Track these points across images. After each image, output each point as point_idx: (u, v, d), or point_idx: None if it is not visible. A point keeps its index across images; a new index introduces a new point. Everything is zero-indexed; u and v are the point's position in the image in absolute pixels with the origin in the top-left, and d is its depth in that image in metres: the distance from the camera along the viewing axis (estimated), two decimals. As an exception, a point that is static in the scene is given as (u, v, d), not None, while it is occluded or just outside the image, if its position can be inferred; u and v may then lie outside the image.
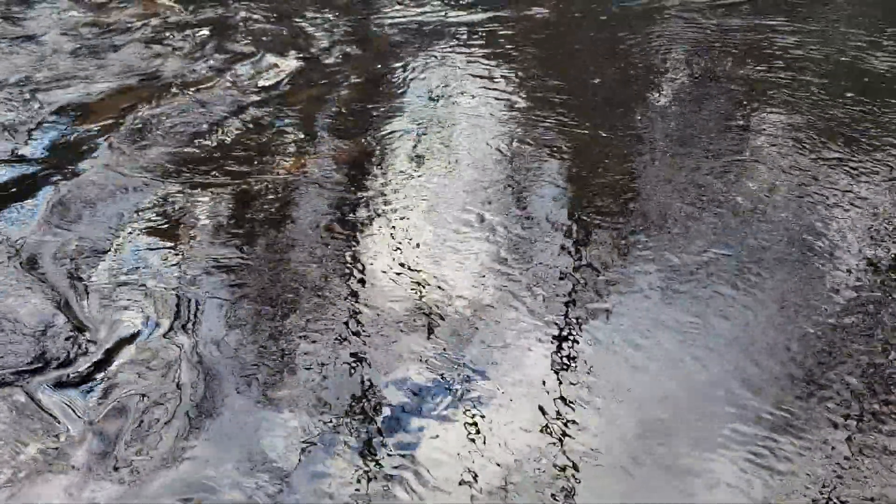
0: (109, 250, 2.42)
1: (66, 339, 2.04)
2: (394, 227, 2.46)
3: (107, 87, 3.61)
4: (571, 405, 1.81)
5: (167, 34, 4.32)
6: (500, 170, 2.75)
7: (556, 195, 2.58)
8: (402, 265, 2.27)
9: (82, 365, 1.96)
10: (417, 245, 2.35)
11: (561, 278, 2.19)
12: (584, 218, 2.45)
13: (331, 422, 1.78)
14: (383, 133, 3.08)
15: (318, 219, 2.53)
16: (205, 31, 4.31)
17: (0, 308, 2.16)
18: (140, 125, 3.22)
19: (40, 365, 1.97)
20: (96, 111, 3.40)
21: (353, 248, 2.36)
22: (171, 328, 2.05)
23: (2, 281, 2.28)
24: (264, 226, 2.51)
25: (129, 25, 4.47)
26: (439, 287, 2.16)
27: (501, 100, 3.28)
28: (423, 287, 2.16)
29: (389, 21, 4.36)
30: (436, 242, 2.35)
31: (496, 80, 3.49)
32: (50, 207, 2.63)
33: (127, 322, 2.08)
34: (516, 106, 3.22)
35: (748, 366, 1.89)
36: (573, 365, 1.92)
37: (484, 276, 2.19)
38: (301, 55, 3.92)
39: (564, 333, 2.00)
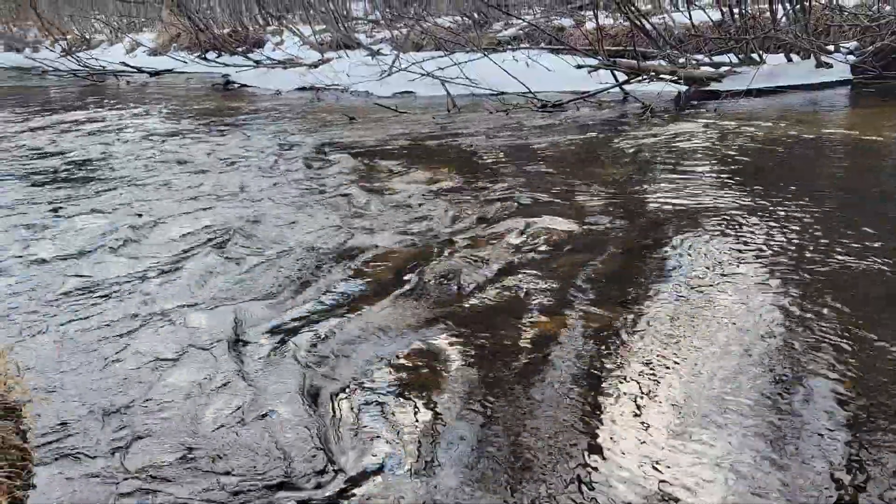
0: (362, 386, 2.58)
1: (312, 461, 2.13)
2: (639, 406, 2.34)
3: (384, 242, 4.05)
4: None
5: (447, 198, 4.83)
6: (765, 360, 2.54)
7: (829, 394, 2.33)
8: (642, 448, 2.14)
9: (323, 491, 2.02)
10: (662, 430, 2.21)
11: (834, 488, 1.94)
12: (864, 426, 2.13)
13: None
14: (638, 306, 3.03)
15: (564, 382, 2.49)
16: (481, 198, 4.79)
17: (257, 425, 2.33)
18: (407, 278, 3.51)
19: (283, 482, 2.06)
20: (372, 264, 3.76)
21: (595, 420, 2.28)
22: (412, 468, 2.07)
23: (266, 402, 2.48)
24: (511, 382, 2.52)
25: (421, 190, 5.11)
26: (680, 482, 1.99)
27: (773, 289, 3.09)
28: (664, 479, 2.01)
29: (656, 200, 4.47)
30: (682, 431, 2.19)
31: (768, 266, 3.32)
32: (314, 344, 2.91)
33: (372, 454, 2.14)
34: (788, 297, 3.00)
35: None
36: None
37: (734, 479, 1.99)
38: (568, 224, 4.12)
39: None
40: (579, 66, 9.61)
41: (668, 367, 2.54)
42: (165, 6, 17.03)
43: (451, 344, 2.83)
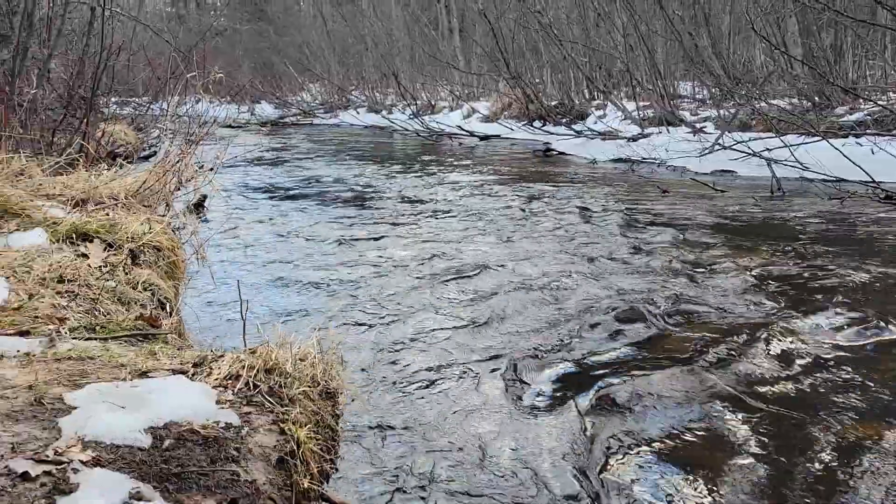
0: (638, 449, 2.52)
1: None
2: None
3: (683, 312, 3.92)
4: None
5: (760, 281, 4.52)
6: None
7: None
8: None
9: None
10: None
11: None
12: None
13: None
14: None
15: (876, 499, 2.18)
16: (800, 285, 4.41)
17: (531, 463, 2.38)
18: (704, 352, 3.34)
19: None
20: (668, 333, 3.67)
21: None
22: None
23: (543, 443, 2.53)
24: (809, 484, 2.28)
25: (730, 268, 4.87)
26: None
27: None
28: None
29: None
30: None
31: None
32: (597, 398, 2.90)
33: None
34: None
35: None
36: None
37: None
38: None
39: None
40: (940, 158, 8.40)
41: None
42: (503, 79, 18.54)
43: (742, 426, 2.63)
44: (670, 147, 11.60)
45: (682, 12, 14.02)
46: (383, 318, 3.93)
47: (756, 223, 6.51)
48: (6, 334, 2.15)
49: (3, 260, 2.85)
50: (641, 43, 14.37)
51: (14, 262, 2.85)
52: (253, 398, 1.82)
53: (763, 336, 3.50)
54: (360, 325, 3.81)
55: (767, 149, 9.32)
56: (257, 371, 1.89)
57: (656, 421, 2.71)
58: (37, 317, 2.39)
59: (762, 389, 2.95)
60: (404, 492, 2.28)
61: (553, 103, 17.58)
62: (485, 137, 17.15)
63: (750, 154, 9.53)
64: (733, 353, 3.32)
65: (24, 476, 1.38)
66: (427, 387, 3.03)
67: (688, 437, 2.58)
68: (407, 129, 18.65)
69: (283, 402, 1.83)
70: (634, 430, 2.65)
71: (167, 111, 8.36)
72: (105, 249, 3.25)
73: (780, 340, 3.44)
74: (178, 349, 2.21)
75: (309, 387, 1.93)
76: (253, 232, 6.36)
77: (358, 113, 24.56)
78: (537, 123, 16.80)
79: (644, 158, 11.43)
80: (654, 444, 2.54)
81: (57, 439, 1.52)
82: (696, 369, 3.15)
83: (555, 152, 13.72)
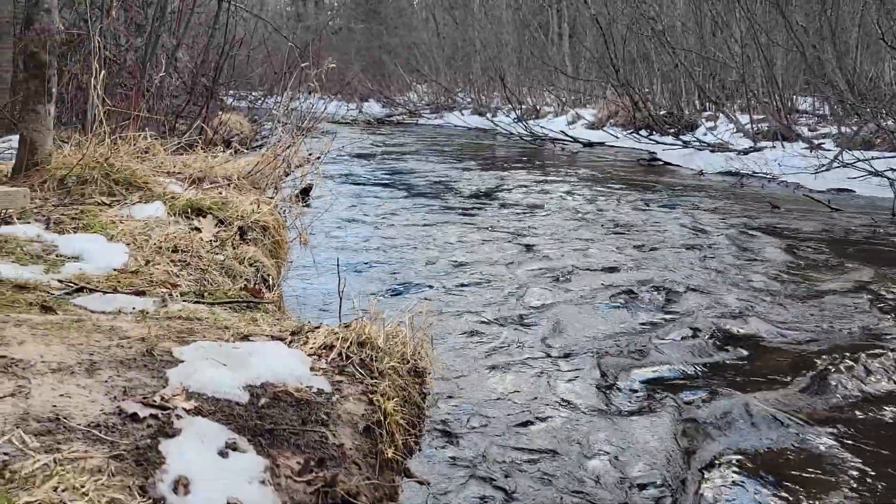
0: (733, 464, 2.45)
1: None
2: None
3: (791, 333, 3.74)
4: None
5: (874, 306, 4.26)
6: None
7: None
8: None
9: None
10: None
11: None
12: None
13: None
14: None
15: None
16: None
17: (620, 464, 2.35)
18: (807, 374, 3.20)
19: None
20: (769, 351, 3.53)
21: None
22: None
23: (635, 446, 2.50)
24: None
25: (843, 289, 4.62)
26: None
27: None
28: None
29: None
30: None
31: None
32: (689, 406, 2.83)
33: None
34: None
35: None
36: None
37: None
38: None
39: None
40: None
41: None
42: (611, 86, 18.24)
43: (838, 450, 2.50)
44: (783, 162, 11.12)
45: (805, 23, 13.37)
46: (474, 305, 3.96)
47: (871, 244, 6.14)
48: (125, 293, 2.31)
49: (125, 228, 3.06)
50: (760, 54, 13.80)
51: (135, 230, 3.05)
52: (345, 368, 1.88)
53: (866, 360, 3.31)
54: (452, 311, 3.86)
55: (892, 168, 8.80)
56: (350, 343, 1.96)
57: (753, 434, 2.61)
58: (152, 280, 2.56)
59: (860, 415, 2.79)
60: (481, 478, 2.29)
61: (661, 113, 17.14)
62: (588, 144, 16.92)
63: (871, 173, 9.01)
64: (834, 375, 3.15)
65: (134, 416, 1.48)
66: (514, 378, 3.03)
67: (780, 453, 2.48)
68: (511, 133, 18.65)
69: (372, 375, 1.88)
70: (727, 444, 2.56)
71: (280, 104, 8.71)
72: (216, 225, 3.44)
73: (882, 366, 3.25)
74: (278, 319, 2.32)
75: (398, 363, 1.98)
76: (354, 220, 6.54)
77: (462, 114, 24.73)
78: (643, 132, 16.43)
79: (755, 172, 10.99)
80: (747, 459, 2.45)
81: (164, 387, 1.62)
82: (793, 389, 3.02)
83: (660, 162, 13.39)
